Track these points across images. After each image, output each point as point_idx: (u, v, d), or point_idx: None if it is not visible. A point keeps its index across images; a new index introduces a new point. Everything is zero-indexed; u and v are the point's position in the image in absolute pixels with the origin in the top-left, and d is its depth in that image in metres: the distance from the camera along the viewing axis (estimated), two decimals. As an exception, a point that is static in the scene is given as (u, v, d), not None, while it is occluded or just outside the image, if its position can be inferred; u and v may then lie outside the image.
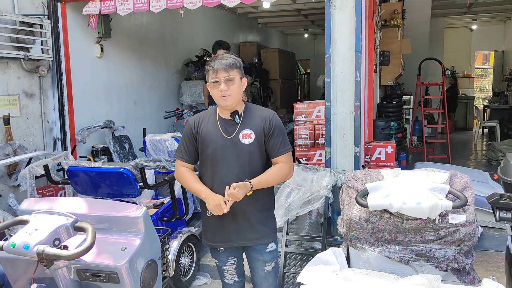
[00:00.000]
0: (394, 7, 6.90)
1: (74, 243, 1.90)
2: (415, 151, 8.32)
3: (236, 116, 2.45)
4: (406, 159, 6.97)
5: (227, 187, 2.30)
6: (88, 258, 1.92)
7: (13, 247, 1.79)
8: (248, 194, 2.35)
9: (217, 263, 2.65)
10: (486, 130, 11.49)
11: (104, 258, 1.94)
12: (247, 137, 2.43)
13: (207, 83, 2.46)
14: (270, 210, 2.63)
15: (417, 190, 2.36)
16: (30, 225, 1.88)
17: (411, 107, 8.34)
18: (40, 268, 1.89)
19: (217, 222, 2.51)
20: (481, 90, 16.74)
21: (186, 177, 2.49)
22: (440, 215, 2.38)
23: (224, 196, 2.34)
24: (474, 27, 13.42)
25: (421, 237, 2.45)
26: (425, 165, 5.75)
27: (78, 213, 2.05)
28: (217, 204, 2.33)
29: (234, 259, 2.61)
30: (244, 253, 2.66)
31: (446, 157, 7.49)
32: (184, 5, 4.61)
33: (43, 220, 1.88)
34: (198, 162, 2.60)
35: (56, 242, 1.83)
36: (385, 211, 2.44)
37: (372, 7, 5.30)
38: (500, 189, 4.85)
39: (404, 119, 8.13)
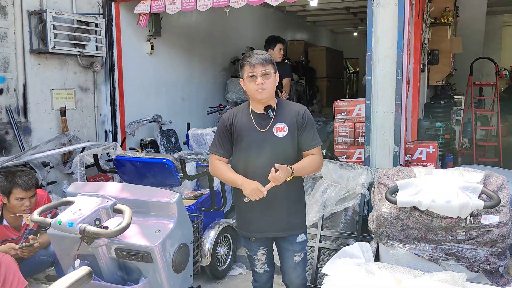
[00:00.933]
0: (445, 5, 6.69)
1: (113, 224, 2.07)
2: (465, 154, 8.03)
3: (270, 110, 2.53)
4: (454, 161, 6.75)
5: (273, 168, 2.34)
6: (125, 238, 2.09)
7: (59, 224, 1.98)
8: (287, 179, 2.42)
9: (248, 253, 2.75)
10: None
11: (139, 239, 2.10)
12: (280, 130, 2.52)
13: (242, 78, 2.56)
14: (301, 202, 2.72)
15: (448, 188, 2.35)
16: (75, 205, 2.07)
17: (462, 108, 8.04)
18: (83, 245, 2.08)
19: (252, 213, 2.60)
20: (544, 91, 15.75)
21: (220, 168, 2.57)
22: (472, 215, 2.35)
23: (259, 183, 2.42)
24: (536, 24, 12.69)
25: (451, 236, 2.44)
26: (470, 167, 5.56)
27: (119, 197, 2.22)
28: (254, 188, 2.40)
29: (265, 249, 2.70)
30: (274, 243, 2.75)
31: (498, 160, 7.19)
32: (230, 4, 4.75)
33: (86, 201, 2.06)
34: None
35: (97, 222, 2.00)
36: (415, 208, 2.44)
37: (419, 4, 5.19)
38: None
39: (454, 120, 7.87)
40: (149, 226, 2.16)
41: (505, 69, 12.19)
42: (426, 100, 7.00)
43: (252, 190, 2.41)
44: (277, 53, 5.57)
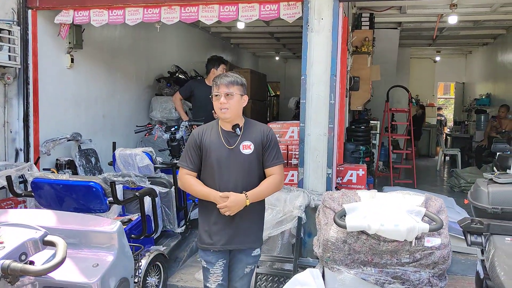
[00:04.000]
0: (365, 35, 7.09)
1: (41, 258, 1.78)
2: (381, 176, 8.47)
3: (237, 128, 2.69)
4: (373, 183, 7.07)
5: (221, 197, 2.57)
6: (56, 275, 1.80)
7: (-25, 261, 1.65)
8: (246, 205, 2.60)
9: (205, 265, 2.73)
10: (447, 158, 11.87)
11: (74, 275, 1.83)
12: (247, 148, 2.69)
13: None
14: (262, 218, 2.85)
15: (395, 212, 2.38)
16: (-6, 238, 1.75)
17: (378, 132, 8.51)
18: (2, 284, 1.75)
19: (216, 225, 2.68)
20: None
21: (192, 183, 2.68)
22: (416, 238, 2.40)
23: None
24: (437, 58, 13.98)
25: (397, 259, 2.47)
26: (393, 189, 5.83)
27: (46, 226, 1.92)
28: (220, 200, 2.58)
29: (223, 261, 2.71)
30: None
31: (412, 182, 7.66)
32: (161, 19, 4.57)
33: (10, 232, 1.75)
34: None
35: (23, 257, 1.71)
36: (362, 232, 2.44)
37: (346, 32, 5.42)
38: (465, 214, 4.98)
39: (371, 143, 8.29)
40: (85, 260, 1.89)
41: (412, 98, 13.21)
42: (347, 125, 7.29)
43: (217, 196, 2.59)
44: (220, 73, 5.51)
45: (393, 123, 8.85)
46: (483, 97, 11.36)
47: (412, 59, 12.95)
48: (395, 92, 9.52)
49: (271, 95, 14.06)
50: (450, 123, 15.42)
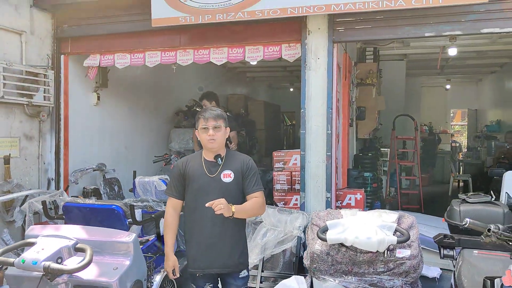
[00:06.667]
0: (369, 67, 7.52)
1: (74, 262, 2.24)
2: (391, 201, 8.72)
3: (219, 158, 2.92)
4: (381, 207, 7.35)
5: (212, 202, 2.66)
6: (85, 275, 2.26)
7: (23, 262, 2.13)
8: (230, 216, 2.71)
9: None
10: (462, 184, 11.99)
11: (98, 276, 2.29)
12: (227, 176, 2.90)
13: (197, 130, 2.94)
14: (242, 243, 3.03)
15: (369, 227, 2.77)
16: (37, 245, 2.23)
17: (388, 159, 8.83)
18: (43, 283, 2.22)
19: (198, 250, 2.90)
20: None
21: (168, 222, 3.00)
22: (388, 249, 2.78)
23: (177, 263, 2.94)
24: (448, 86, 14.29)
25: (373, 269, 2.84)
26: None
27: (77, 238, 2.40)
28: (170, 266, 2.91)
29: (210, 285, 2.95)
30: (219, 279, 3.01)
31: (419, 207, 7.91)
32: (177, 61, 5.15)
33: (49, 241, 2.23)
34: None
35: (59, 260, 2.18)
36: (342, 245, 2.83)
37: (346, 67, 5.89)
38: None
39: (382, 170, 8.60)
40: (107, 264, 2.35)
41: (425, 125, 13.49)
42: (355, 152, 7.65)
43: (168, 266, 2.92)
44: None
45: (401, 150, 9.15)
46: (493, 123, 11.57)
47: (424, 87, 13.30)
48: (406, 121, 9.87)
49: (288, 124, 14.56)
50: (465, 149, 15.53)
